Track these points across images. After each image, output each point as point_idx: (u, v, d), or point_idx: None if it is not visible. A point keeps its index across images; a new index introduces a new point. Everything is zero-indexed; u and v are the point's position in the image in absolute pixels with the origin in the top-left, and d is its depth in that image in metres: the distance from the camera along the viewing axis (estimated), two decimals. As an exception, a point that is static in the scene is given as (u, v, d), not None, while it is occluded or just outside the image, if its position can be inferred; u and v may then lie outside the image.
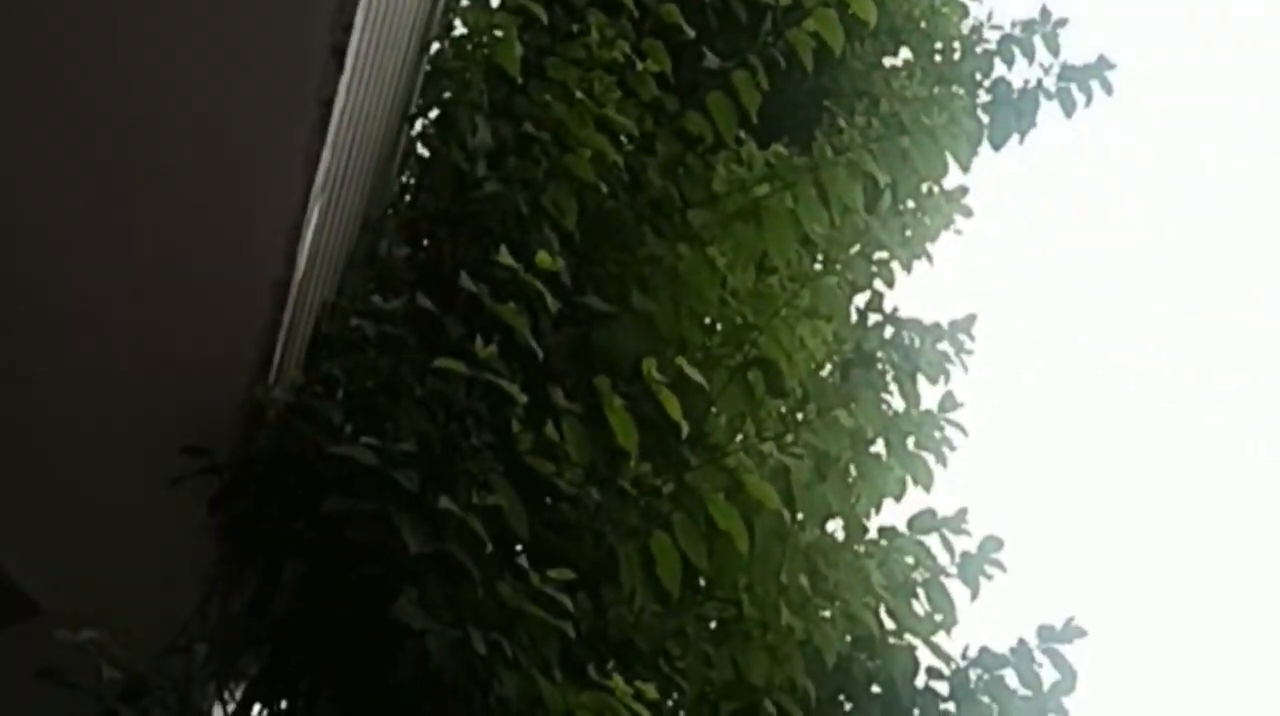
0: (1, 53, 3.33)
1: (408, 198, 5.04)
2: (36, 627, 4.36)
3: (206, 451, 3.91)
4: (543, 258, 3.90)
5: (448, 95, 4.84)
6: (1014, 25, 6.55)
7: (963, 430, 4.81)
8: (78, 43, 3.32)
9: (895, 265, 5.66)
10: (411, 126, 4.88)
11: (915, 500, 4.96)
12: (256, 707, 4.01)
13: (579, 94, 4.60)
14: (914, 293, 6.00)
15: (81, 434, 4.03)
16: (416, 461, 3.77)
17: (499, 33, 4.79)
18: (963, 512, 4.70)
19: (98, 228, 3.62)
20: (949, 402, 4.76)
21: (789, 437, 4.10)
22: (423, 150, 5.07)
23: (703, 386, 4.00)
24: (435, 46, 4.88)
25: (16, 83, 3.38)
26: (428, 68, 4.91)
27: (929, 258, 5.89)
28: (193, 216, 3.60)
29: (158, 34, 3.33)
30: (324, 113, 3.42)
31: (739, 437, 4.31)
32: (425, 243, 4.89)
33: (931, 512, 4.66)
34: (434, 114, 4.99)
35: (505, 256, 3.96)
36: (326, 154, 3.52)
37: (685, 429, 3.91)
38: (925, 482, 4.96)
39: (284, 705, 3.95)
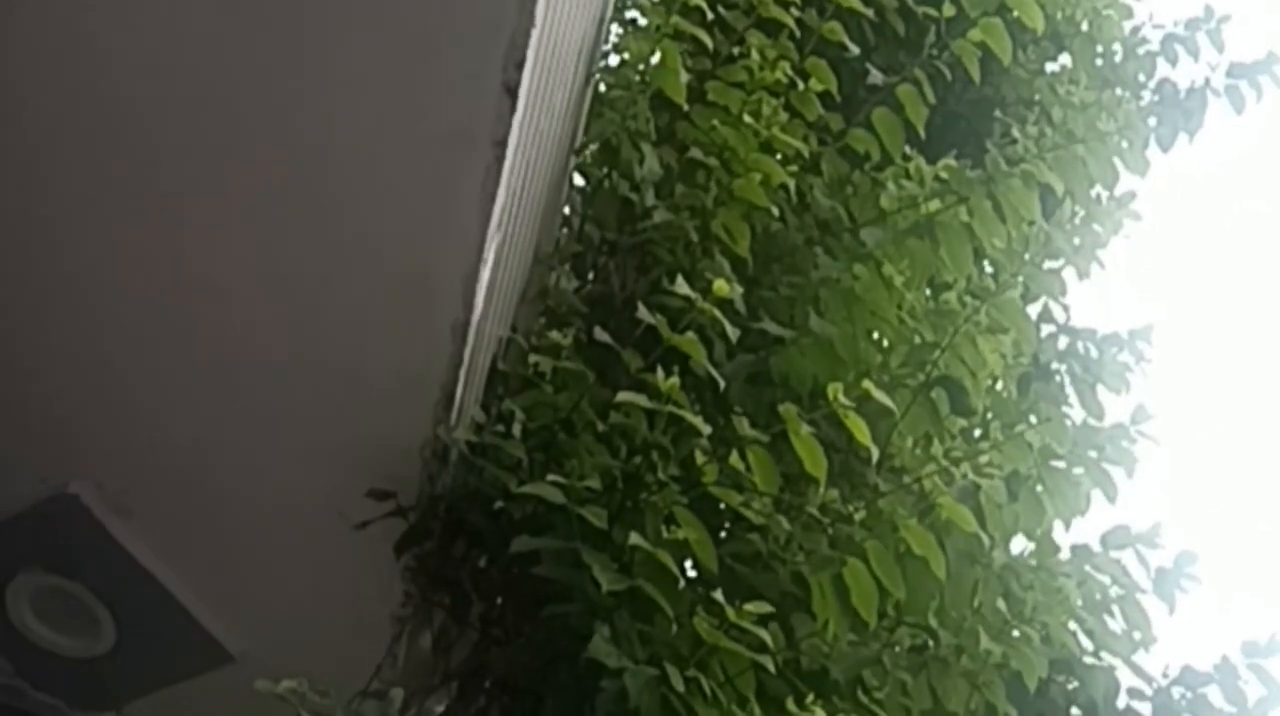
0: (177, 102, 3.37)
1: (570, 230, 5.01)
2: (228, 675, 4.39)
3: (392, 494, 3.92)
4: (720, 286, 3.85)
5: (612, 125, 4.80)
6: (1177, 24, 6.40)
7: (1154, 441, 4.68)
8: (253, 94, 3.35)
9: (1068, 274, 5.56)
10: (578, 158, 4.85)
11: (1104, 515, 4.85)
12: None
13: (746, 117, 4.54)
14: (1087, 301, 5.89)
15: (268, 481, 4.05)
16: (602, 497, 3.74)
17: (657, 59, 4.75)
18: (1156, 527, 4.56)
19: (280, 275, 3.65)
20: (1140, 415, 4.63)
21: (983, 458, 4.01)
22: (581, 181, 5.04)
23: (890, 409, 3.93)
24: (599, 77, 4.85)
25: (190, 136, 3.42)
26: (597, 97, 4.89)
27: (1101, 265, 5.78)
28: (372, 263, 3.61)
29: (330, 80, 3.35)
30: (499, 153, 3.41)
31: (928, 459, 4.22)
32: (592, 274, 4.87)
33: (1125, 528, 4.53)
34: (596, 145, 4.96)
35: (682, 286, 3.91)
36: (501, 194, 3.50)
37: (876, 453, 3.83)
38: (1113, 497, 4.84)
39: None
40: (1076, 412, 5.34)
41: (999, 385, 5.10)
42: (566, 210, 5.08)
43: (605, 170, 4.89)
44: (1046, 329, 5.75)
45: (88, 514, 4.12)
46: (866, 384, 3.72)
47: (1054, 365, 5.51)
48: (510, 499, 3.82)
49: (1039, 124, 4.92)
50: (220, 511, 4.15)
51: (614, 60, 5.08)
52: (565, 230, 5.06)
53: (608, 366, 4.18)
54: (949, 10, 4.99)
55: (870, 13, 5.20)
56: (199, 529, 4.20)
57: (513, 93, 3.36)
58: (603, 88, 4.95)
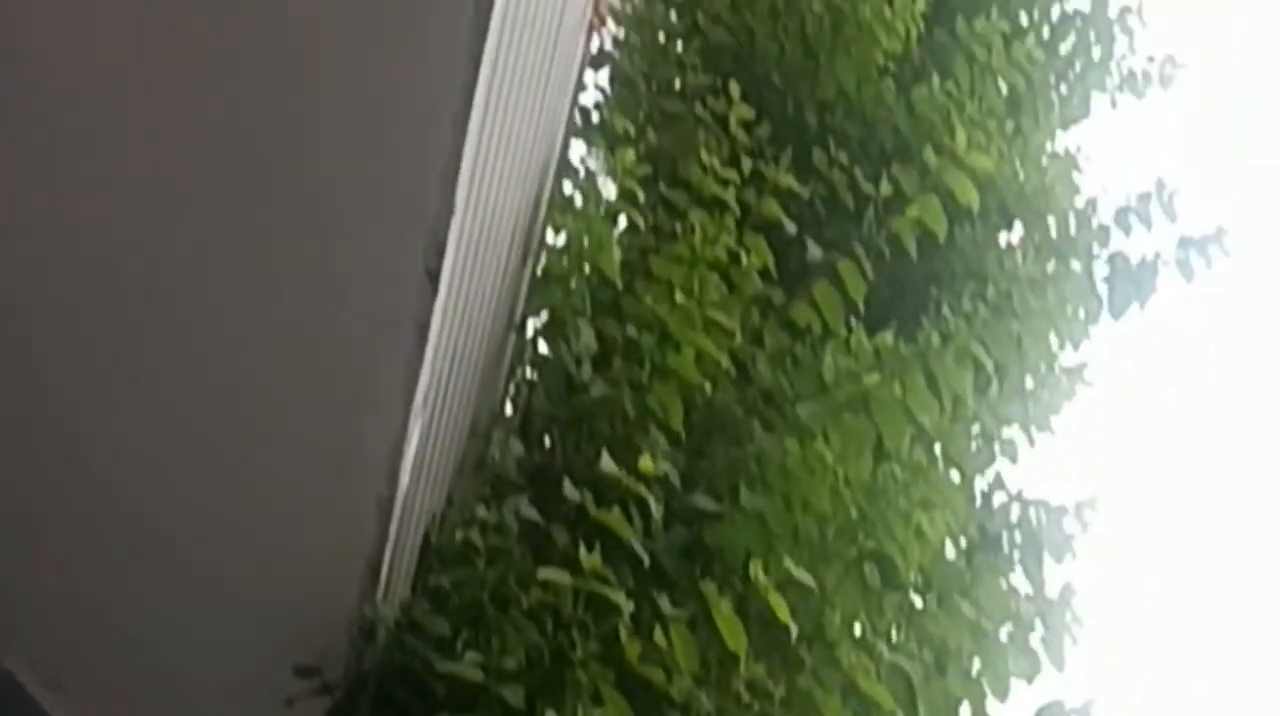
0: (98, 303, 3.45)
1: (516, 402, 5.07)
2: None
3: (318, 670, 3.93)
4: (645, 463, 3.90)
5: (555, 301, 4.88)
6: (1129, 197, 6.49)
7: (1092, 614, 4.70)
8: (184, 272, 3.42)
9: (1018, 443, 5.61)
10: (519, 334, 4.92)
11: (1047, 683, 4.85)
12: None
13: (680, 295, 4.62)
14: (1039, 467, 5.92)
15: (196, 656, 4.07)
16: (524, 675, 3.75)
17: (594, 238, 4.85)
18: (1091, 701, 4.57)
19: (204, 452, 3.70)
20: (1069, 590, 4.66)
21: (902, 636, 4.02)
22: (532, 356, 5.10)
23: (811, 588, 3.95)
24: (540, 255, 4.94)
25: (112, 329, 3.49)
26: (535, 274, 4.97)
27: (1051, 432, 5.83)
28: (297, 440, 3.65)
29: (254, 264, 3.42)
30: (421, 335, 3.46)
31: (854, 635, 4.23)
32: (538, 447, 4.92)
33: (1059, 704, 4.54)
34: (543, 319, 5.04)
35: (607, 462, 3.96)
36: (425, 374, 3.56)
37: (795, 631, 3.85)
38: (1058, 664, 4.86)
39: None
40: (1022, 581, 5.36)
41: (946, 554, 5.12)
42: (515, 383, 5.14)
43: (554, 343, 4.97)
44: (999, 498, 5.79)
45: (21, 690, 4.15)
46: (786, 562, 3.75)
47: (1002, 534, 5.53)
48: (436, 676, 3.84)
49: (974, 299, 4.99)
50: (151, 685, 4.17)
51: (558, 239, 5.17)
52: (516, 402, 5.12)
53: (542, 540, 4.22)
54: (886, 189, 5.09)
55: (808, 191, 5.29)
56: (130, 702, 4.21)
57: (434, 277, 3.42)
58: (549, 264, 5.04)
